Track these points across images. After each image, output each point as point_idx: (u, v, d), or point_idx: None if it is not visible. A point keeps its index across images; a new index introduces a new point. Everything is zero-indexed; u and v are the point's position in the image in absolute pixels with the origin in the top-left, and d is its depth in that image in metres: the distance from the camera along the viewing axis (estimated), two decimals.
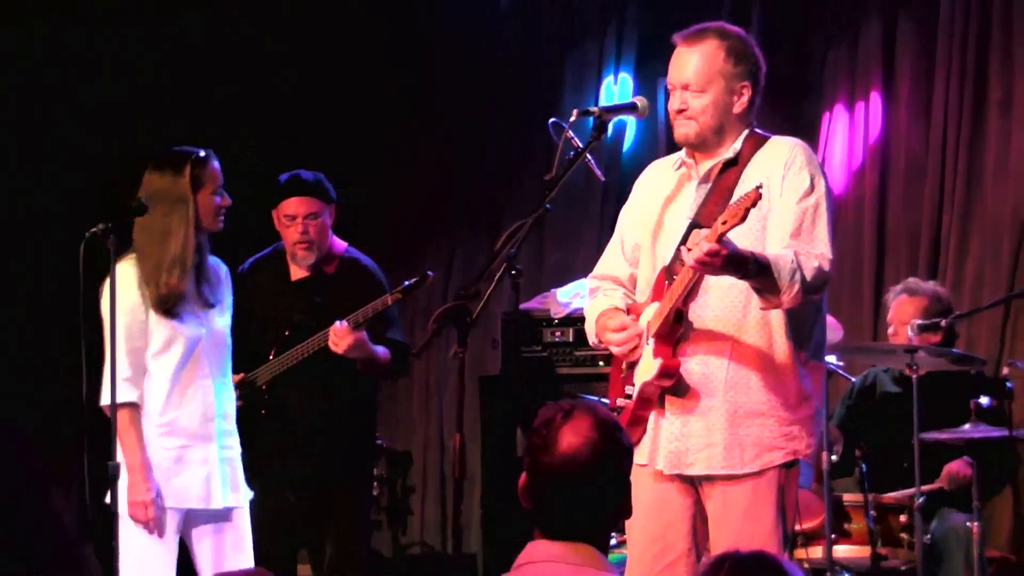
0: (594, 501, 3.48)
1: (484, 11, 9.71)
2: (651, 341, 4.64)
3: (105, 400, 5.53)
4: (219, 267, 5.90)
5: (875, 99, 8.45)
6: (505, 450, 7.97)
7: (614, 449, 3.50)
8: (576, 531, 3.48)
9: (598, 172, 5.17)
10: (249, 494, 5.85)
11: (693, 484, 4.71)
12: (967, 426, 6.43)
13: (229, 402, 5.83)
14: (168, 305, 5.60)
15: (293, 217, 6.64)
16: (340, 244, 6.82)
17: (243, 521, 5.79)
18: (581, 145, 4.87)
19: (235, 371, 6.41)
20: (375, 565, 8.85)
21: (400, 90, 9.78)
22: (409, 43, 9.72)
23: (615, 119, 5.18)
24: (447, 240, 9.68)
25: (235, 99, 9.39)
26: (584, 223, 9.09)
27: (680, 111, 4.71)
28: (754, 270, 4.41)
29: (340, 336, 6.39)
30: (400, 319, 6.94)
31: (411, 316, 9.42)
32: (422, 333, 8.99)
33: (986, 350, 7.75)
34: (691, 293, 4.58)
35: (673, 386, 4.65)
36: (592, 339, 4.92)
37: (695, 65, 4.70)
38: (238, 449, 5.85)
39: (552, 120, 4.98)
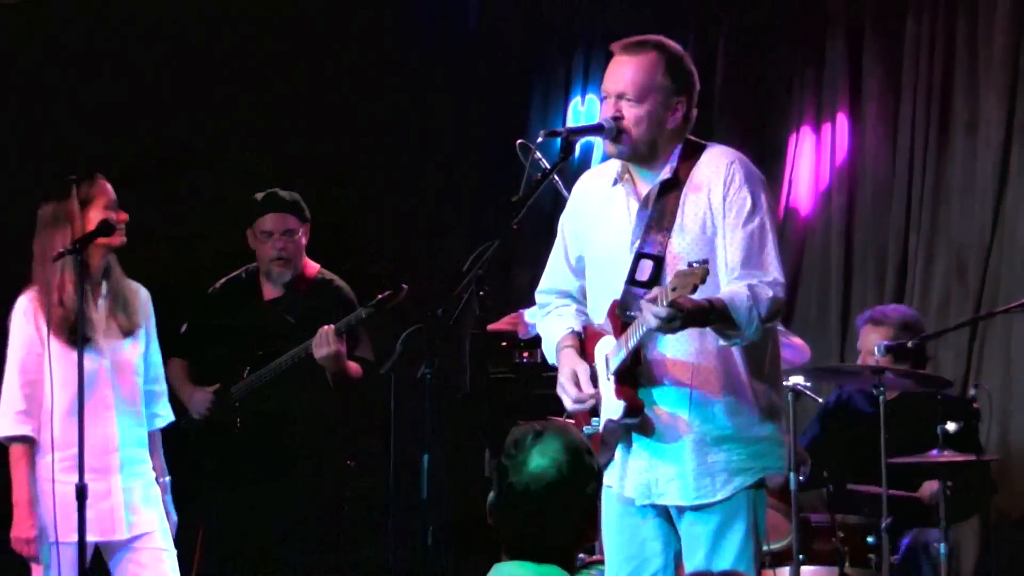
0: (560, 523, 3.49)
1: (452, 31, 9.70)
2: (612, 378, 4.63)
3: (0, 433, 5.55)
4: (138, 291, 5.83)
5: (842, 120, 8.47)
6: (473, 470, 7.95)
7: (582, 473, 3.51)
8: (541, 552, 3.49)
9: (565, 193, 5.18)
10: (163, 518, 5.75)
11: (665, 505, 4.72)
12: (934, 452, 6.44)
13: (135, 431, 5.74)
14: (69, 330, 5.53)
15: (270, 234, 6.68)
16: (313, 266, 6.85)
17: (159, 542, 5.72)
18: (548, 166, 4.86)
19: (208, 385, 6.46)
20: None
21: (363, 110, 9.76)
22: (374, 62, 9.70)
23: (582, 140, 5.17)
24: (414, 259, 9.65)
25: (235, 99, 9.36)
26: (551, 244, 9.06)
27: (614, 119, 4.69)
28: (713, 318, 4.42)
29: (327, 341, 6.41)
30: (367, 336, 6.94)
31: (379, 336, 9.39)
32: (391, 352, 8.97)
33: (953, 371, 7.76)
34: (650, 338, 4.57)
35: (638, 425, 4.64)
36: (550, 360, 4.92)
37: (632, 76, 4.68)
38: (149, 474, 5.76)
39: (520, 141, 4.99)
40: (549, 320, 4.94)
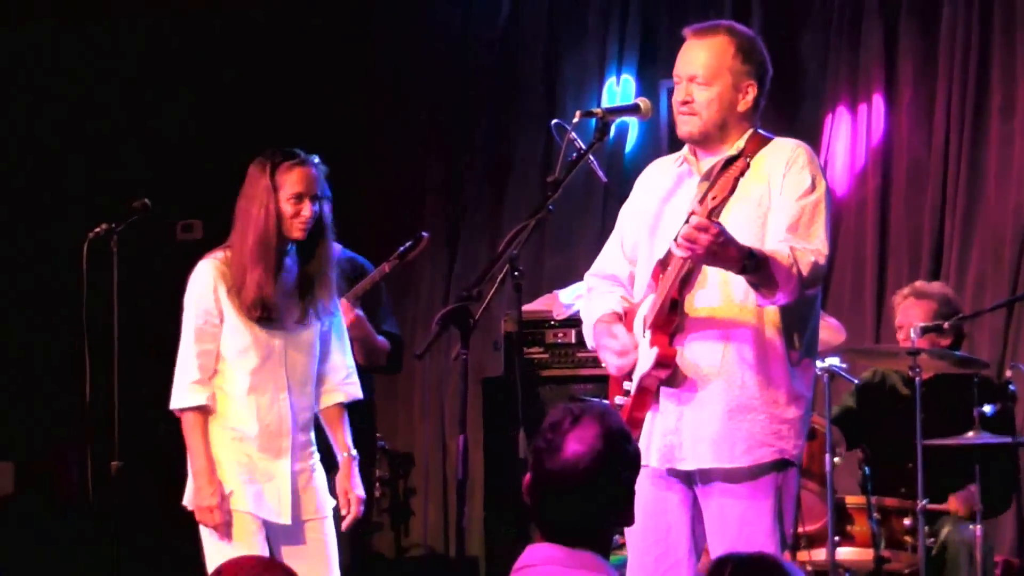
0: (594, 509, 3.46)
1: (485, 9, 9.68)
2: (647, 332, 4.63)
3: (175, 404, 5.49)
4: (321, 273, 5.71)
5: (877, 101, 8.45)
6: (507, 452, 7.93)
7: (618, 460, 3.47)
8: (576, 536, 3.46)
9: (600, 174, 5.14)
10: (331, 503, 5.68)
11: (690, 485, 4.71)
12: (971, 434, 6.41)
13: (305, 414, 5.65)
14: (258, 308, 5.47)
15: None
16: (335, 247, 6.83)
17: (321, 532, 5.63)
18: (584, 146, 4.85)
19: None
20: (376, 567, 8.84)
21: (397, 88, 9.76)
22: (406, 41, 9.70)
23: (618, 120, 5.16)
24: (447, 242, 9.66)
25: (235, 97, 9.37)
26: (586, 225, 9.07)
27: (685, 103, 4.69)
28: (751, 265, 4.39)
29: (343, 311, 6.39)
30: (395, 315, 6.92)
31: (412, 319, 9.41)
32: (424, 335, 9.00)
33: (989, 353, 7.75)
34: (687, 283, 4.55)
35: (669, 377, 4.63)
36: (589, 343, 4.90)
37: (704, 58, 4.70)
38: (316, 458, 5.69)
39: (555, 121, 4.97)
40: (592, 301, 4.93)
